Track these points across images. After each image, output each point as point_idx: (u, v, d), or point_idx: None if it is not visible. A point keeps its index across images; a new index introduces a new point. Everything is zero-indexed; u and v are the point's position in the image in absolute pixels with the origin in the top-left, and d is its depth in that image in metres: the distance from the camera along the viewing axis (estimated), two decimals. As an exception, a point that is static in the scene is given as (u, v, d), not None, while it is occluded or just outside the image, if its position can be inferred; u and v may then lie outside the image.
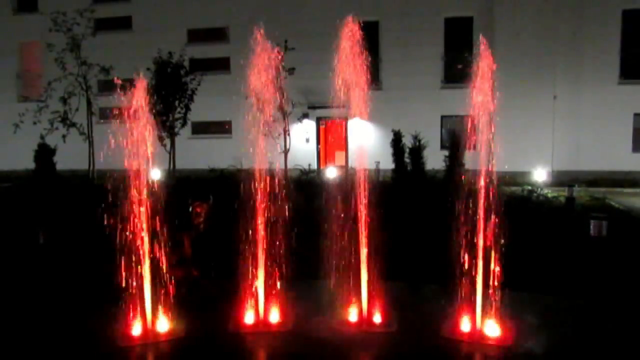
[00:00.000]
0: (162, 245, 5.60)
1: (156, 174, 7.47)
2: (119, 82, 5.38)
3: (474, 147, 5.49)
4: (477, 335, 5.41)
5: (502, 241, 5.34)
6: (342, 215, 5.82)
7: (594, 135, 21.01)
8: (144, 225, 5.46)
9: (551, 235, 9.28)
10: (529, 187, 14.49)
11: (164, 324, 5.60)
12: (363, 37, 5.76)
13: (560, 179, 18.04)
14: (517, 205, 11.24)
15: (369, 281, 5.81)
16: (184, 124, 15.87)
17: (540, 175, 17.30)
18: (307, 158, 21.17)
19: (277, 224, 5.82)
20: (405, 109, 21.32)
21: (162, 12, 24.84)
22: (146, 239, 5.48)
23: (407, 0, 22.58)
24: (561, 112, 21.06)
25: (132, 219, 5.40)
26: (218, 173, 15.83)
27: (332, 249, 5.79)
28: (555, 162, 20.75)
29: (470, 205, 5.36)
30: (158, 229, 5.54)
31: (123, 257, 5.37)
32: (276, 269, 5.83)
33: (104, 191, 5.50)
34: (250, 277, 5.80)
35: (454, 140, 12.60)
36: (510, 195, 12.73)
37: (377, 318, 5.81)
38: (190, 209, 7.30)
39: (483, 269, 5.39)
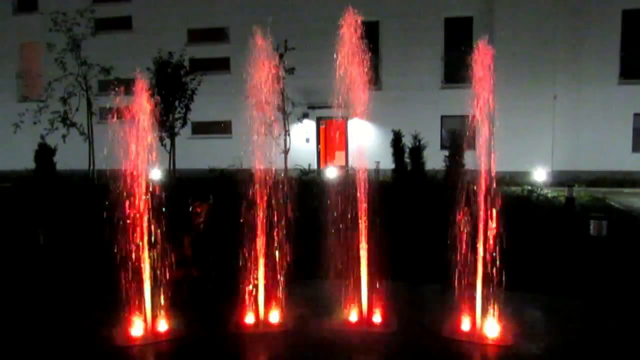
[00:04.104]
0: (162, 245, 5.61)
1: (156, 174, 7.48)
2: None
3: (474, 147, 5.50)
4: (477, 335, 5.41)
5: (502, 241, 5.34)
6: (342, 215, 5.81)
7: (594, 135, 21.01)
8: (144, 226, 5.46)
9: (551, 235, 9.28)
10: (529, 187, 14.50)
11: (164, 324, 5.60)
12: (363, 37, 5.76)
13: (560, 179, 18.05)
14: (517, 205, 11.25)
15: (369, 281, 5.81)
16: (184, 124, 15.88)
17: (540, 175, 17.32)
18: (307, 158, 21.18)
19: (277, 224, 5.82)
20: (405, 109, 21.33)
21: (162, 12, 24.83)
22: (146, 239, 5.48)
23: (407, 0, 22.58)
24: (561, 112, 21.06)
25: (131, 219, 5.40)
26: (218, 173, 15.84)
27: (332, 249, 5.79)
28: (555, 162, 20.75)
29: (470, 205, 5.36)
30: (158, 229, 5.54)
31: (123, 257, 5.37)
32: (276, 268, 5.83)
33: (104, 191, 5.51)
34: (250, 277, 5.80)
35: (454, 140, 12.61)
36: (511, 195, 12.75)
37: (377, 318, 5.81)
38: (190, 209, 7.30)
39: (483, 269, 5.39)
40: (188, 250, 7.17)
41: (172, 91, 15.17)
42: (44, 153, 12.16)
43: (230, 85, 16.03)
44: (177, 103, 15.38)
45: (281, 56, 13.40)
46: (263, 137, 5.80)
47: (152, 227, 5.50)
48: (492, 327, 5.41)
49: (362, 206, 5.78)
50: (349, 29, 5.75)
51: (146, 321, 5.54)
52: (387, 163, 13.71)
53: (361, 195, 5.79)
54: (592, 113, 21.10)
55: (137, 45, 23.12)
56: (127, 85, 5.56)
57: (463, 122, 5.73)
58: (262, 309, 5.87)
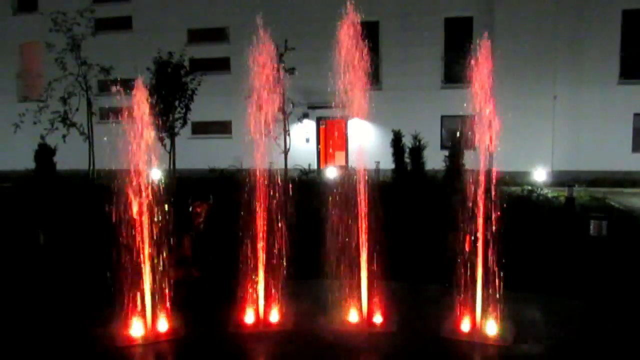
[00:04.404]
0: (162, 245, 5.61)
1: (156, 174, 7.48)
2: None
3: (474, 147, 5.50)
4: (477, 335, 5.41)
5: (502, 241, 5.34)
6: (342, 215, 5.81)
7: (594, 135, 21.00)
8: (144, 226, 5.46)
9: (551, 235, 9.27)
10: (529, 187, 14.50)
11: (164, 324, 5.60)
12: (363, 37, 5.76)
13: (560, 179, 18.04)
14: (517, 205, 11.25)
15: (369, 281, 5.81)
16: (184, 124, 15.86)
17: (540, 175, 17.32)
18: (307, 158, 21.17)
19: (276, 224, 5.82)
20: (405, 109, 21.32)
21: (162, 12, 24.82)
22: (146, 239, 5.48)
23: (407, 0, 22.58)
24: (561, 112, 21.06)
25: (131, 218, 5.40)
26: (218, 173, 15.84)
27: (332, 249, 5.79)
28: (555, 162, 20.75)
29: (470, 205, 5.36)
30: (158, 229, 5.54)
31: (123, 257, 5.37)
32: (276, 268, 5.83)
33: (104, 191, 5.51)
34: (250, 277, 5.80)
35: (454, 140, 12.61)
36: (511, 195, 12.74)
37: (377, 318, 5.81)
38: (190, 209, 7.30)
39: (483, 269, 5.39)
40: (188, 250, 7.18)
41: (172, 91, 15.14)
42: (44, 153, 12.15)
43: (230, 85, 16.09)
44: (177, 103, 15.37)
45: (281, 56, 13.41)
46: (263, 137, 5.80)
47: (152, 227, 5.50)
48: (492, 327, 5.42)
49: (362, 206, 5.78)
50: (349, 29, 5.75)
51: (146, 321, 5.54)
52: (387, 163, 13.70)
53: (361, 195, 5.79)
54: (592, 113, 21.09)
55: (137, 45, 23.11)
56: (127, 85, 5.56)
57: (463, 122, 5.73)
58: (262, 309, 5.88)
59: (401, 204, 10.21)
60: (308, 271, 6.55)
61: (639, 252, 8.32)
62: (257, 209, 5.79)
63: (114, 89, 5.49)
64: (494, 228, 5.33)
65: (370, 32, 5.95)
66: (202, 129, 24.26)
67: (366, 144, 6.18)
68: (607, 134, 20.98)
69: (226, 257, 6.41)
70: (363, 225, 5.76)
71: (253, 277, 5.82)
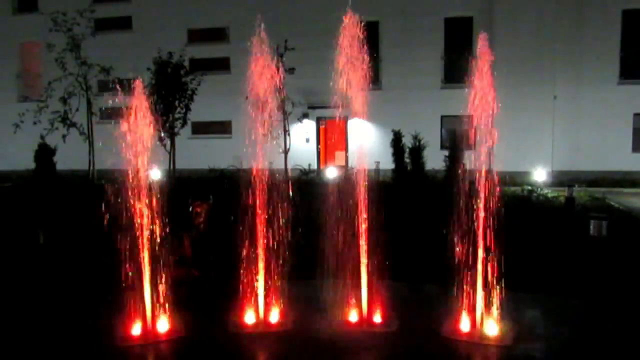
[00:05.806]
0: (162, 245, 5.61)
1: (156, 174, 7.48)
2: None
3: (474, 147, 5.50)
4: (476, 335, 5.41)
5: (502, 241, 5.34)
6: (342, 215, 5.81)
7: (594, 135, 21.01)
8: (144, 225, 5.46)
9: (551, 235, 9.27)
10: (529, 187, 14.50)
11: (164, 324, 5.60)
12: (363, 37, 5.76)
13: (560, 179, 18.05)
14: (517, 205, 11.25)
15: (369, 281, 5.81)
16: (184, 124, 15.88)
17: (540, 175, 17.31)
18: (307, 158, 21.17)
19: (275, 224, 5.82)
20: (405, 109, 21.32)
21: (162, 12, 24.82)
22: (146, 239, 5.48)
23: (407, 0, 22.58)
24: (561, 112, 21.06)
25: (131, 219, 5.40)
26: (218, 173, 15.84)
27: (332, 249, 5.79)
28: (555, 162, 20.75)
29: (470, 205, 5.36)
30: (158, 229, 5.54)
31: (123, 257, 5.37)
32: (276, 268, 5.84)
33: (104, 191, 5.51)
34: (250, 277, 5.80)
35: (454, 140, 12.62)
36: (510, 195, 12.74)
37: (377, 318, 5.81)
38: (190, 209, 7.30)
39: (483, 269, 5.39)
40: (188, 250, 7.17)
41: (172, 91, 15.17)
42: (44, 153, 12.17)
43: (230, 85, 16.08)
44: (177, 103, 15.39)
45: (281, 56, 13.42)
46: (263, 137, 5.80)
47: (152, 227, 5.50)
48: (492, 327, 5.42)
49: (362, 206, 5.78)
50: (349, 29, 5.75)
51: (146, 321, 5.54)
52: (387, 163, 13.71)
53: (361, 195, 5.79)
54: (592, 113, 21.10)
55: (137, 45, 23.11)
56: (128, 85, 5.57)
57: (463, 122, 5.73)
58: (262, 309, 5.88)
59: (401, 204, 10.21)
60: (308, 271, 6.55)
61: (638, 252, 8.32)
62: (257, 208, 5.79)
63: (114, 89, 5.50)
64: (494, 228, 5.33)
65: (370, 32, 5.95)
66: (202, 129, 24.26)
67: (366, 144, 6.18)
68: (607, 134, 20.98)
69: (226, 257, 6.41)
70: (363, 225, 5.76)
71: (253, 277, 5.82)
